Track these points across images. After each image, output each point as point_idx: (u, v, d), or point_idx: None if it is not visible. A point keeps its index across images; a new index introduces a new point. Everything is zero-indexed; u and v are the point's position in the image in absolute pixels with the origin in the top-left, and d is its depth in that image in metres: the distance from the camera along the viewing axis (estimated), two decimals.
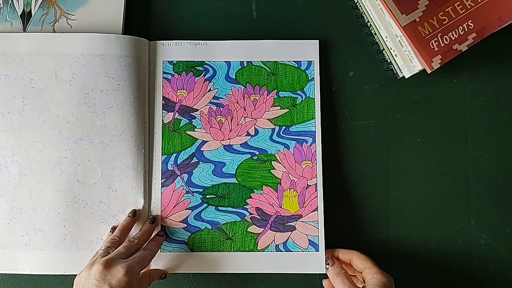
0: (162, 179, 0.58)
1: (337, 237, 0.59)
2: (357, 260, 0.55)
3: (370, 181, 0.60)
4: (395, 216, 0.59)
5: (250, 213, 0.58)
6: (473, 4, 0.55)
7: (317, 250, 0.57)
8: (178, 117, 0.59)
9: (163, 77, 0.60)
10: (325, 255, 0.56)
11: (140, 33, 0.59)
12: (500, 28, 0.55)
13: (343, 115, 0.61)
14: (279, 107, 0.59)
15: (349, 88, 0.61)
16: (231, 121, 0.59)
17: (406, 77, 0.58)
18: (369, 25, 0.61)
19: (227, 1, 0.62)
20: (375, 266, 0.53)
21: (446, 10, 0.56)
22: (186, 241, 0.57)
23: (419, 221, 0.59)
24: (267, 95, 0.59)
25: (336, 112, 0.61)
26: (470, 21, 0.55)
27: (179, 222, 0.58)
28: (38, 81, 0.57)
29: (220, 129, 0.59)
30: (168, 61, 0.60)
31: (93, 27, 0.59)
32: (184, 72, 0.60)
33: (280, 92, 0.60)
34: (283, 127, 0.59)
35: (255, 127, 0.59)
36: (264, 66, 0.60)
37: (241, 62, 0.60)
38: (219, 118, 0.59)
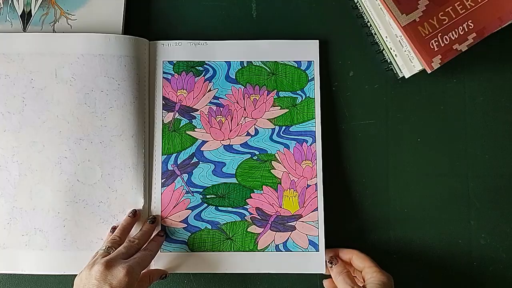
0: (162, 179, 0.58)
1: (337, 237, 0.59)
2: (356, 259, 0.55)
3: (370, 181, 0.60)
4: (395, 216, 0.59)
5: (250, 213, 0.58)
6: (473, 4, 0.55)
7: (317, 250, 0.57)
8: (178, 117, 0.59)
9: (163, 77, 0.60)
10: (327, 255, 0.56)
11: (140, 33, 0.59)
12: (500, 28, 0.55)
13: (343, 115, 0.61)
14: (279, 107, 0.59)
15: (349, 88, 0.61)
16: (231, 121, 0.59)
17: (406, 77, 0.58)
18: (369, 25, 0.61)
19: (227, 1, 0.62)
20: (375, 265, 0.53)
21: (446, 10, 0.56)
22: (186, 241, 0.57)
23: (419, 221, 0.59)
24: (267, 95, 0.59)
25: (336, 112, 0.61)
26: (470, 21, 0.55)
27: (179, 222, 0.58)
28: (38, 81, 0.57)
29: (220, 129, 0.59)
30: (168, 61, 0.60)
31: (93, 27, 0.59)
32: (184, 72, 0.60)
33: (280, 92, 0.60)
34: (283, 127, 0.59)
35: (255, 127, 0.59)
36: (264, 66, 0.60)
37: (241, 62, 0.60)
38: (219, 118, 0.59)
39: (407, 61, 0.57)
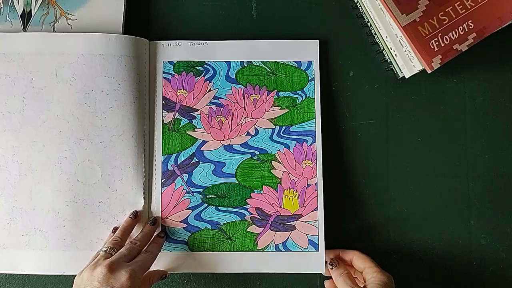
0: (162, 179, 0.58)
1: (337, 237, 0.59)
2: (357, 260, 0.55)
3: (370, 181, 0.60)
4: (395, 216, 0.59)
5: (250, 213, 0.58)
6: (473, 4, 0.55)
7: (317, 250, 0.57)
8: (178, 117, 0.59)
9: (163, 77, 0.60)
10: (328, 256, 0.56)
11: (140, 33, 0.59)
12: (500, 28, 0.55)
13: (343, 115, 0.61)
14: (279, 107, 0.59)
15: (349, 88, 0.61)
16: (231, 121, 0.59)
17: (406, 77, 0.58)
18: (369, 25, 0.61)
19: (227, 1, 0.62)
20: (375, 265, 0.53)
21: (446, 10, 0.56)
22: (186, 241, 0.57)
23: (419, 221, 0.59)
24: (267, 95, 0.59)
25: (336, 112, 0.61)
26: (470, 21, 0.55)
27: (179, 222, 0.58)
28: (39, 80, 0.57)
29: (220, 129, 0.59)
30: (168, 61, 0.60)
31: (93, 27, 0.59)
32: (184, 72, 0.60)
33: (280, 92, 0.60)
34: (283, 127, 0.59)
35: (255, 127, 0.59)
36: (264, 66, 0.60)
37: (241, 62, 0.60)
38: (219, 118, 0.59)
39: (407, 61, 0.57)
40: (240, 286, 0.59)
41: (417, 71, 0.57)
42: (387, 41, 0.59)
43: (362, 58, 0.61)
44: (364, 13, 0.60)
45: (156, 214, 0.58)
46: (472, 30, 0.55)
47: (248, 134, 0.59)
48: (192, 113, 0.59)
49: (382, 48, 0.60)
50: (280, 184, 0.58)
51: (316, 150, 0.58)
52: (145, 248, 0.54)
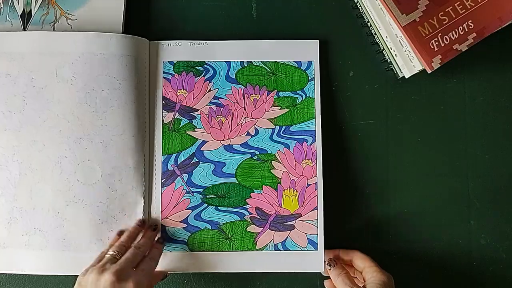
0: (162, 179, 0.58)
1: (337, 237, 0.59)
2: (357, 260, 0.55)
3: (370, 181, 0.60)
4: (395, 216, 0.59)
5: (250, 213, 0.58)
6: (473, 4, 0.55)
7: (316, 249, 0.57)
8: (178, 117, 0.59)
9: (163, 77, 0.60)
10: (327, 256, 0.56)
11: (140, 33, 0.59)
12: (500, 28, 0.55)
13: (343, 115, 0.61)
14: (279, 107, 0.59)
15: (349, 88, 0.61)
16: (231, 121, 0.59)
17: (406, 77, 0.58)
18: (369, 25, 0.61)
19: (227, 1, 0.62)
20: (375, 264, 0.53)
21: (446, 10, 0.56)
22: (186, 241, 0.57)
23: (419, 221, 0.59)
24: (267, 95, 0.59)
25: (336, 112, 0.61)
26: (470, 21, 0.55)
27: (179, 222, 0.58)
28: (39, 80, 0.57)
29: (220, 129, 0.59)
30: (168, 61, 0.60)
31: (93, 27, 0.59)
32: (184, 72, 0.60)
33: (280, 92, 0.60)
34: (283, 127, 0.59)
35: (255, 127, 0.59)
36: (264, 66, 0.60)
37: (241, 62, 0.60)
38: (219, 118, 0.59)
39: (407, 61, 0.57)
40: (240, 286, 0.59)
41: (417, 71, 0.57)
42: (387, 41, 0.59)
43: (362, 58, 0.61)
44: (364, 13, 0.60)
45: (156, 214, 0.58)
46: (472, 30, 0.55)
47: (248, 134, 0.59)
48: (192, 113, 0.59)
49: (382, 48, 0.60)
50: (280, 183, 0.58)
51: (316, 150, 0.58)
52: (148, 253, 0.54)
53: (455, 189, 0.60)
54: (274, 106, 0.59)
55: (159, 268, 0.56)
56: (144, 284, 0.49)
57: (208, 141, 0.59)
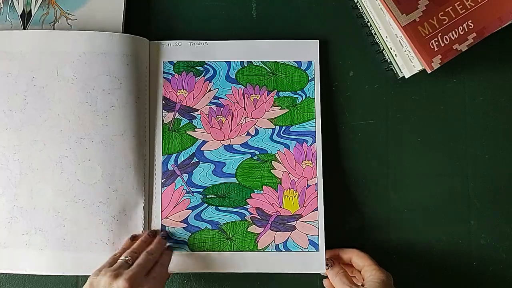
0: (162, 179, 0.58)
1: (337, 237, 0.59)
2: (356, 258, 0.55)
3: (370, 181, 0.60)
4: (395, 216, 0.59)
5: (250, 213, 0.58)
6: (473, 4, 0.56)
7: (317, 250, 0.57)
8: (178, 117, 0.59)
9: (163, 77, 0.60)
10: (326, 256, 0.56)
11: (140, 33, 0.59)
12: (500, 28, 0.55)
13: (343, 115, 0.61)
14: (279, 107, 0.59)
15: (349, 88, 0.61)
16: (232, 121, 0.59)
17: (406, 77, 0.58)
18: (369, 25, 0.61)
19: (227, 1, 0.62)
20: (374, 263, 0.53)
21: (446, 10, 0.56)
22: (187, 241, 0.57)
23: (419, 221, 0.59)
24: (267, 95, 0.59)
25: (336, 112, 0.61)
26: (470, 21, 0.55)
27: (180, 222, 0.58)
28: (40, 79, 0.57)
29: (220, 129, 0.59)
30: (168, 61, 0.60)
31: (93, 27, 0.59)
32: (185, 72, 0.60)
33: (280, 92, 0.60)
34: (283, 127, 0.59)
35: (255, 127, 0.59)
36: (264, 66, 0.60)
37: (241, 62, 0.60)
38: (219, 118, 0.59)
39: (407, 61, 0.57)
40: (240, 286, 0.59)
41: (417, 71, 0.57)
42: (387, 41, 0.59)
43: (362, 58, 0.61)
44: (364, 13, 0.60)
45: (156, 214, 0.58)
46: (472, 30, 0.55)
47: (248, 134, 0.59)
48: (192, 113, 0.59)
49: (382, 48, 0.60)
50: (280, 184, 0.58)
51: (316, 150, 0.58)
52: (159, 260, 0.54)
53: (455, 189, 0.60)
54: (274, 106, 0.59)
55: None
56: None
57: (208, 141, 0.59)
